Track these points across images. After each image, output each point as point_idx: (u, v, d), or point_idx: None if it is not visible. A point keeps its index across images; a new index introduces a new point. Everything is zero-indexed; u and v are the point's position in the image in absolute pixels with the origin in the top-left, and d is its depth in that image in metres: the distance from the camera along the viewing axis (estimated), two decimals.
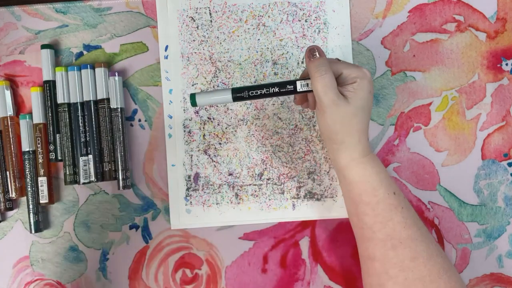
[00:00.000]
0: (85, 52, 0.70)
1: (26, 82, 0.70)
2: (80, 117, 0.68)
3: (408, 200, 0.59)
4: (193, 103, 0.58)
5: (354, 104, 0.56)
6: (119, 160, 0.68)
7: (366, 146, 0.58)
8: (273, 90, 0.58)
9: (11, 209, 0.69)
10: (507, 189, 0.68)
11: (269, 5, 0.69)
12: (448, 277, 0.56)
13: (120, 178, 0.68)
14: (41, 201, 0.68)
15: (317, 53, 0.57)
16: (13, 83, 0.70)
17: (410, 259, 0.56)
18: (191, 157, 0.69)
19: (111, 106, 0.68)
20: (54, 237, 0.70)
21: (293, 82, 0.58)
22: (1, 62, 0.70)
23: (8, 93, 0.68)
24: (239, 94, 0.58)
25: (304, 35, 0.69)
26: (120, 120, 0.68)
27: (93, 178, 0.68)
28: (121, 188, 0.68)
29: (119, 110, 0.68)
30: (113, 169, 0.68)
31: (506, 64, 0.69)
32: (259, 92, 0.58)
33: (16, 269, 0.70)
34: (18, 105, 0.70)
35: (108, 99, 0.68)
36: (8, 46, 0.70)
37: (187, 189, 0.69)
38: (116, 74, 0.68)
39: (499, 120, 0.69)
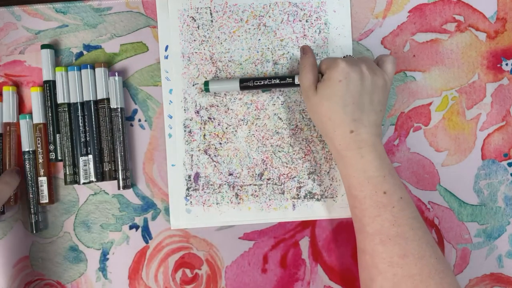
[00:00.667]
0: (85, 52, 0.70)
1: (26, 82, 0.70)
2: (80, 117, 0.68)
3: (407, 200, 0.58)
4: (206, 89, 0.68)
5: (319, 93, 0.60)
6: (119, 160, 0.68)
7: (347, 139, 0.58)
8: (275, 81, 0.66)
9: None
10: (507, 189, 0.68)
11: (269, 5, 0.69)
12: (440, 279, 0.56)
13: (120, 178, 0.68)
14: (41, 201, 0.68)
15: (307, 51, 0.64)
16: (13, 83, 0.70)
17: (399, 256, 0.56)
18: (192, 157, 0.69)
19: (111, 106, 0.68)
20: (54, 237, 0.70)
21: (292, 76, 0.65)
22: (1, 62, 0.70)
23: (14, 99, 0.68)
24: (245, 83, 0.67)
25: (304, 35, 0.69)
26: (120, 120, 0.68)
27: (93, 178, 0.68)
28: (121, 188, 0.68)
29: (119, 110, 0.68)
30: (113, 169, 0.68)
31: (506, 64, 0.69)
32: (262, 82, 0.66)
33: (16, 269, 0.70)
34: (18, 105, 0.70)
35: (108, 99, 0.68)
36: (8, 46, 0.70)
37: (187, 189, 0.69)
38: (116, 74, 0.68)
39: (499, 120, 0.69)
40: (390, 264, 0.56)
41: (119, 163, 0.68)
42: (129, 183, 0.69)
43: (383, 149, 0.60)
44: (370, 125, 0.59)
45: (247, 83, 0.66)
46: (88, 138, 0.68)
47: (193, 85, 0.69)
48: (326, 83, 0.59)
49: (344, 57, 0.61)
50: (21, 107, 0.70)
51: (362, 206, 0.58)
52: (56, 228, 0.69)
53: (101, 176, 0.68)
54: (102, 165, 0.68)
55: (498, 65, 0.69)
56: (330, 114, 0.59)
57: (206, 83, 0.67)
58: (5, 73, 0.70)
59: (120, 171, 0.68)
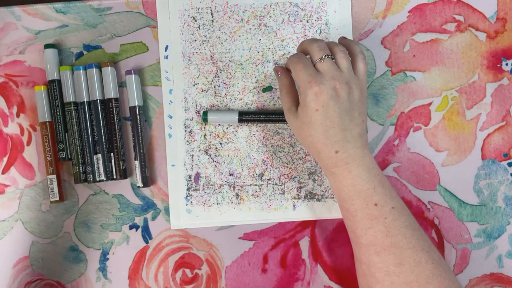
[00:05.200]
0: (85, 52, 0.70)
1: (26, 82, 0.69)
2: (91, 115, 0.68)
3: (400, 209, 0.58)
4: (205, 119, 0.68)
5: (299, 118, 0.59)
6: (139, 157, 0.68)
7: (334, 158, 0.58)
8: (274, 117, 0.68)
9: None
10: (507, 189, 0.69)
11: (270, 6, 0.69)
12: (439, 283, 0.56)
13: (140, 175, 0.68)
14: (51, 199, 0.68)
15: (280, 72, 0.64)
16: (13, 83, 0.70)
17: (395, 265, 0.56)
18: (192, 157, 0.69)
19: (130, 105, 0.68)
20: (54, 237, 0.69)
21: None
22: (1, 62, 0.70)
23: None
24: (244, 116, 0.68)
25: (305, 35, 0.69)
26: (139, 117, 0.68)
27: (103, 177, 0.68)
28: (141, 185, 0.68)
29: (137, 108, 0.68)
30: (124, 167, 0.68)
31: (506, 64, 0.69)
32: (262, 117, 0.68)
33: (16, 269, 0.69)
34: (18, 105, 0.70)
35: (116, 99, 0.68)
36: (8, 46, 0.70)
37: (188, 189, 0.69)
38: (133, 72, 0.68)
39: (499, 120, 0.69)
40: (387, 273, 0.57)
41: (139, 160, 0.68)
42: (148, 180, 0.69)
43: (372, 159, 0.59)
44: (354, 139, 0.58)
45: (246, 117, 0.68)
46: (96, 137, 0.68)
47: (194, 85, 0.69)
48: (303, 110, 0.58)
49: (323, 57, 0.58)
50: (21, 107, 0.70)
51: (354, 218, 0.58)
52: (56, 228, 0.69)
53: (117, 174, 0.69)
54: (118, 163, 0.68)
55: (498, 65, 0.69)
56: (312, 139, 0.58)
57: (204, 113, 0.68)
58: (5, 73, 0.70)
59: (139, 169, 0.68)
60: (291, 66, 0.60)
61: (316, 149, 0.58)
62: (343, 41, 0.63)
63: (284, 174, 0.69)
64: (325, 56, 0.58)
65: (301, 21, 0.69)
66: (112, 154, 0.68)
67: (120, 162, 0.68)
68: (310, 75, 0.57)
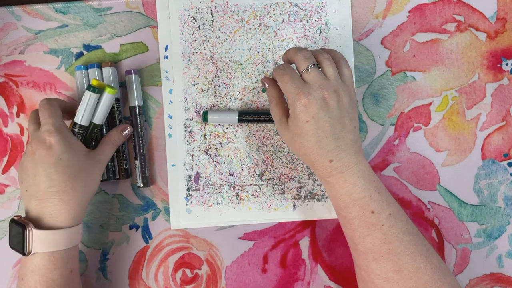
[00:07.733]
0: (85, 52, 0.70)
1: (26, 82, 0.70)
2: None
3: (397, 215, 0.58)
4: (205, 119, 0.68)
5: (290, 130, 0.59)
6: (139, 157, 0.68)
7: (328, 168, 0.58)
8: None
9: None
10: (507, 189, 0.69)
11: (270, 6, 0.69)
12: (438, 287, 0.56)
13: (140, 175, 0.68)
14: None
15: (267, 83, 0.63)
16: (13, 83, 0.69)
17: (394, 272, 0.56)
18: (192, 157, 0.69)
19: (130, 104, 0.68)
20: None
21: None
22: (1, 62, 0.70)
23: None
24: (244, 116, 0.68)
25: (305, 35, 0.69)
26: (138, 117, 0.68)
27: (105, 177, 0.68)
28: (141, 185, 0.68)
29: (137, 108, 0.68)
30: (127, 167, 0.69)
31: (506, 64, 0.69)
32: (261, 117, 0.68)
33: (16, 269, 0.69)
34: (18, 105, 0.70)
35: (117, 98, 0.68)
36: (8, 46, 0.70)
37: (188, 189, 0.69)
38: (133, 72, 0.68)
39: (499, 120, 0.69)
40: (386, 280, 0.57)
41: (139, 160, 0.68)
42: (148, 180, 0.69)
43: (367, 165, 0.59)
44: (348, 147, 0.58)
45: (246, 117, 0.68)
46: (100, 137, 0.68)
47: (194, 85, 0.69)
48: (294, 122, 0.58)
49: (309, 67, 0.58)
50: (21, 107, 0.70)
51: (351, 226, 0.58)
52: None
53: (119, 174, 0.69)
54: (121, 163, 0.68)
55: (498, 65, 0.69)
56: (305, 150, 0.58)
57: (204, 113, 0.68)
58: (5, 73, 0.70)
59: (139, 169, 0.68)
60: (277, 79, 0.60)
61: (310, 160, 0.58)
62: (322, 50, 0.62)
63: (284, 174, 0.69)
64: (311, 65, 0.58)
65: (301, 21, 0.69)
66: (114, 154, 0.68)
67: (123, 161, 0.68)
68: (297, 87, 0.57)
